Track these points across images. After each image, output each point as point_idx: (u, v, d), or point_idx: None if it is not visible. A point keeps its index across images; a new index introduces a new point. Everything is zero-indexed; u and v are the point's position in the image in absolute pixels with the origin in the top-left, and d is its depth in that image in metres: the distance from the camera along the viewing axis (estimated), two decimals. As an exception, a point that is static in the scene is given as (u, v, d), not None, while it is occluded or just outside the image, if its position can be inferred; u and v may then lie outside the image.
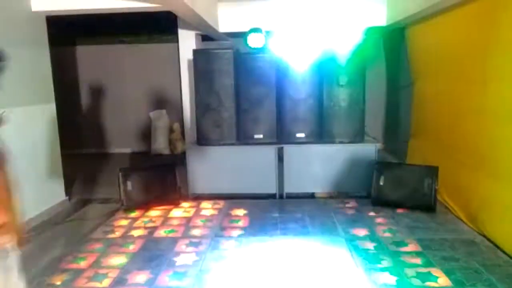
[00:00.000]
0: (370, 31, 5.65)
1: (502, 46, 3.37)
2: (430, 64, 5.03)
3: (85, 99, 8.44)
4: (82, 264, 3.33)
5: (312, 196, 5.10)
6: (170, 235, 3.94)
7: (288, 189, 5.01)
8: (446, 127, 4.53)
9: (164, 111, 8.05)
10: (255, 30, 4.84)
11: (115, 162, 7.31)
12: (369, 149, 4.91)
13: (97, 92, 8.29)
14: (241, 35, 5.05)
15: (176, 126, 8.08)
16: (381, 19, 5.62)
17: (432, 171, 4.29)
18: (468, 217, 3.95)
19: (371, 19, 5.62)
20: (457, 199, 4.25)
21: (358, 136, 4.99)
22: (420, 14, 4.59)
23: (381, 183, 4.52)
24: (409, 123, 5.83)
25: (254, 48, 4.89)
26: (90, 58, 8.27)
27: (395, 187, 4.48)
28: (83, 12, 4.36)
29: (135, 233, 3.98)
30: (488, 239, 3.55)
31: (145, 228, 4.11)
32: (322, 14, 5.54)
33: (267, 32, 5.07)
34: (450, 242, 3.57)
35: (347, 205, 4.68)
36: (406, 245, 3.54)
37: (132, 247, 3.64)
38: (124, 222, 4.27)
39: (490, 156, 3.57)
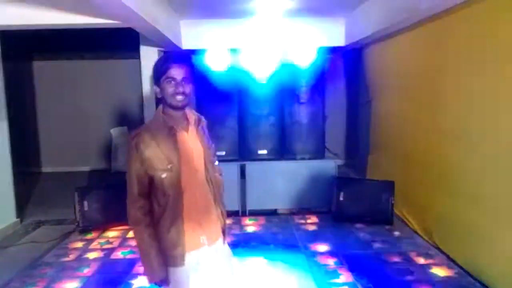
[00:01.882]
0: (330, 50, 5.83)
1: (451, 68, 3.57)
2: (386, 83, 5.24)
3: (42, 116, 8.15)
4: (31, 290, 3.15)
5: (274, 212, 5.11)
6: (128, 256, 3.81)
7: (251, 206, 5.00)
8: (402, 143, 4.70)
9: (125, 128, 7.88)
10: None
11: (73, 180, 7.03)
12: (329, 165, 5.01)
13: (56, 109, 8.02)
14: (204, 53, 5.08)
15: (139, 143, 7.92)
16: (340, 39, 5.82)
17: (388, 186, 4.42)
18: (424, 230, 4.08)
19: (331, 39, 5.80)
20: (413, 213, 4.39)
21: (319, 152, 5.09)
22: (376, 35, 4.79)
23: (341, 199, 4.59)
24: (369, 139, 6.01)
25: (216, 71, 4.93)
26: (48, 73, 8.02)
27: (355, 202, 4.56)
28: (39, 27, 4.24)
29: (91, 255, 3.83)
30: (442, 252, 3.67)
31: (102, 250, 3.96)
32: (283, 33, 5.67)
33: (231, 50, 5.12)
34: (406, 255, 3.66)
35: (308, 221, 4.72)
36: (364, 259, 3.60)
37: (86, 271, 3.49)
38: (79, 244, 4.10)
39: (443, 173, 3.72)
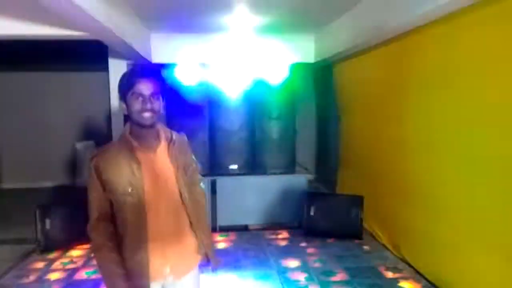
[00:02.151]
0: (300, 66, 5.92)
1: (415, 84, 3.69)
2: (354, 99, 5.36)
3: (3, 129, 7.79)
4: (-14, 315, 2.95)
5: (245, 228, 5.06)
6: (93, 276, 3.65)
7: (221, 221, 4.93)
8: (369, 158, 4.80)
9: (92, 143, 7.65)
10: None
11: (35, 197, 6.72)
12: (300, 180, 5.04)
13: (17, 122, 7.70)
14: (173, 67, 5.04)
15: (106, 158, 7.70)
16: (310, 56, 5.93)
17: (357, 201, 4.48)
18: (392, 244, 4.15)
19: (300, 56, 5.90)
20: (382, 227, 4.46)
21: (290, 167, 5.11)
22: (344, 53, 4.91)
23: (312, 213, 4.61)
24: (338, 154, 6.10)
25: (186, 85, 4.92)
26: (9, 85, 7.71)
27: (325, 217, 4.59)
28: (0, 37, 4.07)
29: (52, 276, 3.64)
30: (410, 266, 3.73)
31: (64, 270, 3.77)
32: (254, 50, 5.72)
33: (201, 65, 5.11)
34: (376, 269, 3.70)
35: (279, 236, 4.70)
36: (335, 274, 3.61)
37: (47, 293, 3.32)
38: (40, 265, 3.90)
39: (407, 186, 3.81)
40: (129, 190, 1.57)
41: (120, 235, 1.61)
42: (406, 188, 3.86)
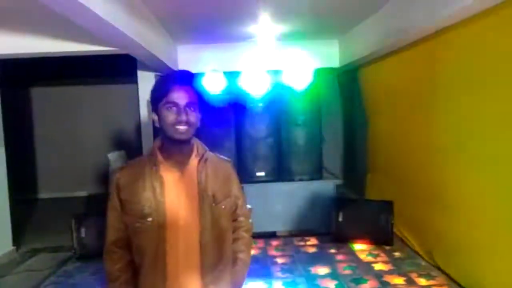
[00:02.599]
0: (325, 71, 5.90)
1: (444, 87, 3.62)
2: (382, 103, 5.29)
3: (40, 141, 8.16)
4: (27, 321, 3.09)
5: (274, 234, 5.07)
6: (126, 283, 3.75)
7: (250, 228, 4.96)
8: (399, 162, 4.71)
9: (123, 152, 7.86)
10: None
11: (70, 206, 6.98)
12: (327, 186, 5.01)
13: (53, 134, 8.05)
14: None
15: (136, 167, 7.91)
16: (335, 60, 5.91)
17: (387, 206, 4.40)
18: (424, 250, 4.05)
19: (325, 60, 5.88)
20: (413, 233, 4.36)
21: (317, 173, 5.09)
22: (370, 57, 4.87)
23: (340, 219, 4.57)
24: (366, 159, 6.02)
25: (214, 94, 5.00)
26: (46, 99, 8.08)
27: (354, 223, 4.54)
28: (37, 55, 4.29)
29: (88, 282, 3.77)
30: (444, 272, 3.64)
31: (100, 277, 3.89)
32: (279, 56, 5.75)
33: (228, 73, 5.19)
34: (408, 276, 3.62)
35: (308, 243, 4.68)
36: (365, 281, 3.56)
37: (83, 299, 3.44)
38: (76, 272, 4.04)
39: (440, 191, 3.72)
40: (148, 213, 1.31)
41: (137, 264, 1.37)
42: (437, 193, 3.77)
